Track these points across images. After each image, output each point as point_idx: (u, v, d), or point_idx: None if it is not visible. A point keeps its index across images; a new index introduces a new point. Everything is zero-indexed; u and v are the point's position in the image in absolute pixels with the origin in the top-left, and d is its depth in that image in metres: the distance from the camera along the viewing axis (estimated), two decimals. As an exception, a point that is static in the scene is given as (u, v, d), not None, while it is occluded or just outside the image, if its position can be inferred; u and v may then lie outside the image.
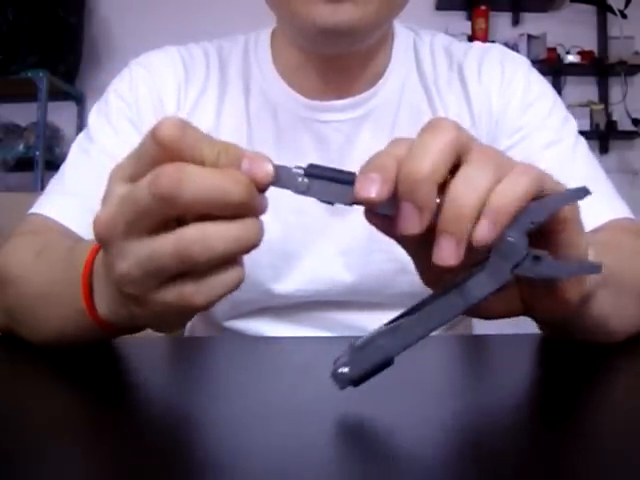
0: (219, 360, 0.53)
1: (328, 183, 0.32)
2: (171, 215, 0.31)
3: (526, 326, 0.56)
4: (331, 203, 0.32)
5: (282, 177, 0.32)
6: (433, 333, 0.33)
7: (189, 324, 0.83)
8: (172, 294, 0.32)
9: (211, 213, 0.31)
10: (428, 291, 0.36)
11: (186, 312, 0.34)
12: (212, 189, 0.30)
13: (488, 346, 0.55)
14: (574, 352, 0.48)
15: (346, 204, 0.32)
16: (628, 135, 3.12)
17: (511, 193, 0.31)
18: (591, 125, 3.06)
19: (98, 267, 0.41)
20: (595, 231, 0.60)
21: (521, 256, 0.32)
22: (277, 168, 0.32)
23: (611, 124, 3.10)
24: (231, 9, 2.79)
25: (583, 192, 0.32)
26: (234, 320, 0.71)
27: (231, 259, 0.32)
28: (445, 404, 0.36)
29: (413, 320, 0.33)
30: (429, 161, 0.31)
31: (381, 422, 0.33)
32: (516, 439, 0.31)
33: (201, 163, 0.31)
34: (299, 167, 0.32)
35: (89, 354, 0.48)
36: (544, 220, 0.32)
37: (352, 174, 0.32)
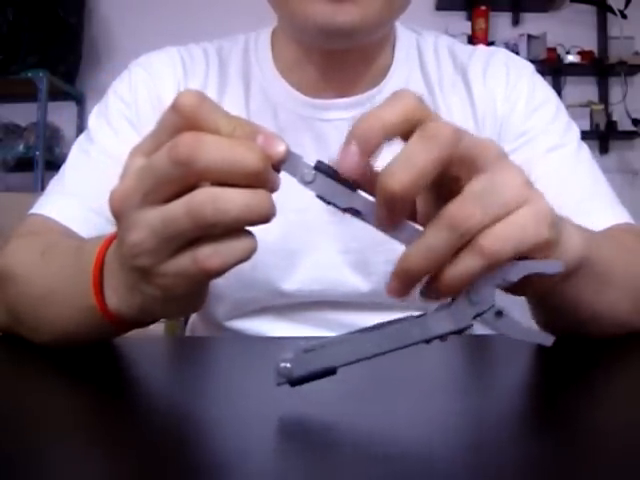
0: (219, 360, 0.53)
1: (332, 182, 0.32)
2: (188, 183, 0.32)
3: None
4: (328, 202, 0.32)
5: (292, 162, 0.32)
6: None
7: (189, 323, 0.83)
8: (186, 259, 0.33)
9: (226, 182, 0.31)
10: None
11: (198, 281, 0.35)
12: (228, 156, 0.31)
13: (488, 346, 0.55)
14: (574, 352, 0.48)
15: (341, 208, 0.32)
16: (628, 135, 3.12)
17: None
18: (591, 125, 3.07)
19: (109, 262, 0.42)
20: None
21: (486, 307, 0.32)
22: (289, 151, 0.32)
23: (611, 124, 3.11)
24: (231, 9, 2.79)
25: (558, 267, 0.33)
26: (235, 320, 0.71)
27: (243, 228, 0.33)
28: (445, 404, 0.36)
29: (367, 338, 0.33)
30: (409, 177, 0.30)
31: (380, 422, 0.33)
32: (516, 439, 0.31)
33: (217, 134, 0.31)
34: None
35: (90, 354, 0.48)
36: (516, 281, 0.33)
37: (355, 183, 0.32)
